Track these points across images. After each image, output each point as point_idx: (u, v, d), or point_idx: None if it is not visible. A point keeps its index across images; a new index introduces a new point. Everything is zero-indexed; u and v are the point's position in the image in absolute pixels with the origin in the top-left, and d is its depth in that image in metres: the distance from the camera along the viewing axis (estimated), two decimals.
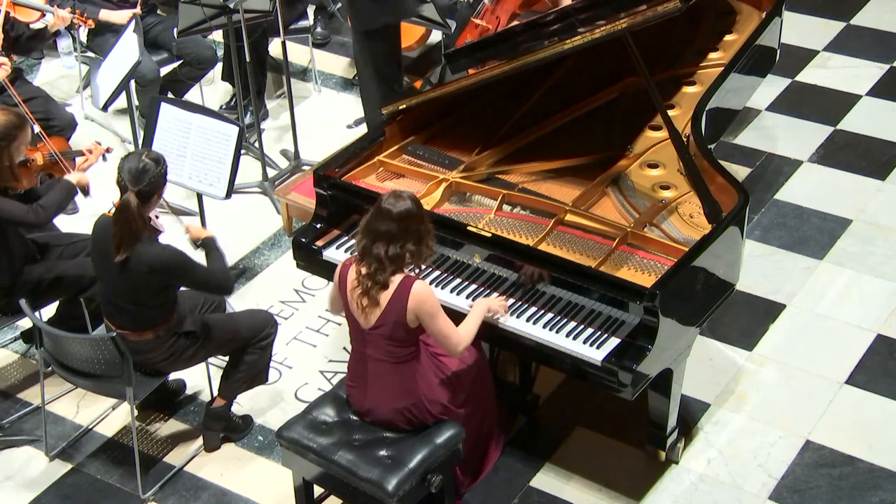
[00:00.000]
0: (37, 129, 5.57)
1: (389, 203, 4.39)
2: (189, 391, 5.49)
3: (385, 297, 4.39)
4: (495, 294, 4.78)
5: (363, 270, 4.42)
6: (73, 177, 5.38)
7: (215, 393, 5.20)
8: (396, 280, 4.40)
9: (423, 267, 4.67)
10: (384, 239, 4.36)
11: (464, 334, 4.52)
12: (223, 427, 5.21)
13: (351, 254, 5.04)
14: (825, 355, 5.56)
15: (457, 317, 4.62)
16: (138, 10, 6.80)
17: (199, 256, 4.99)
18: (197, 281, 4.89)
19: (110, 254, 4.69)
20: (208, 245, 5.04)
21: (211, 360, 5.22)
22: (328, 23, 8.26)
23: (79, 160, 5.58)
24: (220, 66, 7.34)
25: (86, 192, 5.41)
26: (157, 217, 4.87)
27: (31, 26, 6.56)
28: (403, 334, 4.44)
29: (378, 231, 4.37)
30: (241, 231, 6.44)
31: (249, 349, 5.04)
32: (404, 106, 5.36)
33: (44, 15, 6.52)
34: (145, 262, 4.68)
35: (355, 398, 4.63)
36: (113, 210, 4.71)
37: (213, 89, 7.64)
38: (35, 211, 5.17)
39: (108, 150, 5.69)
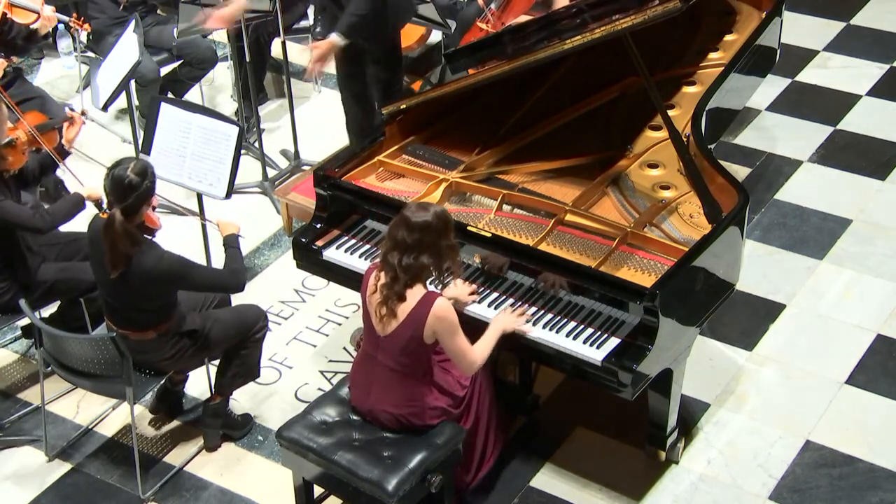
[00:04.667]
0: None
1: (410, 212, 4.35)
2: (189, 391, 5.49)
3: (404, 310, 4.37)
4: (503, 298, 4.77)
5: (382, 279, 4.41)
6: (84, 190, 5.31)
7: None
8: (417, 294, 4.37)
9: (447, 281, 4.60)
10: (399, 248, 4.34)
11: (479, 353, 4.49)
12: (221, 424, 5.21)
13: (357, 254, 5.05)
14: (825, 355, 5.56)
15: (469, 321, 4.63)
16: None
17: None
18: (200, 283, 4.90)
19: (104, 262, 4.68)
20: (227, 243, 5.06)
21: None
22: (328, 23, 8.25)
23: (66, 131, 5.54)
24: (222, 67, 7.35)
25: (100, 206, 5.38)
26: (153, 209, 4.79)
27: (30, 27, 6.55)
28: (418, 348, 4.42)
29: (395, 239, 4.35)
30: (242, 231, 6.43)
31: (243, 344, 5.05)
32: (404, 106, 5.36)
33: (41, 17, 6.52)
34: (143, 271, 4.65)
35: (356, 398, 4.63)
36: (106, 212, 4.67)
37: (213, 89, 7.65)
38: (42, 216, 5.18)
39: (83, 114, 5.67)
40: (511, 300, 4.75)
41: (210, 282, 4.96)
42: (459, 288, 4.73)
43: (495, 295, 4.79)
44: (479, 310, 4.74)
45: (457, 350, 4.42)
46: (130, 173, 4.60)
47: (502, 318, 4.63)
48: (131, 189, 4.59)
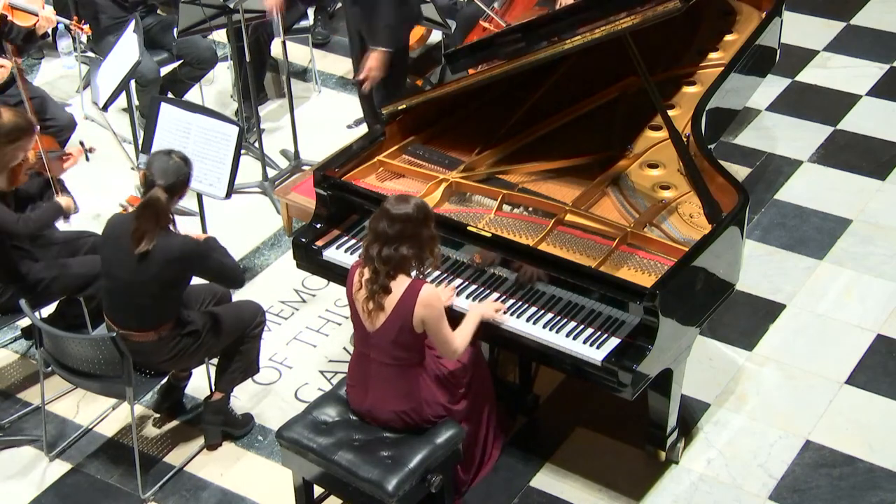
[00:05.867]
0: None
1: (390, 204, 4.38)
2: (189, 391, 5.49)
3: (391, 301, 4.38)
4: (494, 296, 4.78)
5: (366, 274, 4.42)
6: (62, 200, 5.42)
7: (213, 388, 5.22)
8: (402, 284, 4.38)
9: (428, 271, 4.65)
10: (380, 240, 4.36)
11: (460, 340, 4.53)
12: (222, 421, 5.21)
13: (357, 255, 5.05)
14: (825, 355, 5.56)
15: (458, 317, 4.63)
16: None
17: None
18: (213, 271, 4.98)
19: (126, 248, 4.70)
20: (210, 246, 5.05)
21: None
22: (328, 23, 8.26)
23: (63, 161, 5.59)
24: (221, 66, 7.35)
25: (67, 216, 5.45)
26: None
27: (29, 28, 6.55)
28: (409, 339, 4.43)
29: (376, 231, 4.37)
30: (241, 231, 6.44)
31: (242, 340, 5.07)
32: (404, 106, 5.37)
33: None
34: (165, 251, 4.70)
35: (354, 399, 4.63)
36: (130, 207, 4.72)
37: (213, 89, 7.65)
38: (25, 222, 5.22)
39: (90, 150, 5.70)
40: (512, 300, 4.75)
41: (220, 271, 5.02)
42: (441, 291, 4.72)
43: (496, 295, 4.79)
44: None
45: (442, 337, 4.46)
46: (175, 157, 4.77)
47: (479, 306, 4.67)
48: (175, 170, 4.73)
